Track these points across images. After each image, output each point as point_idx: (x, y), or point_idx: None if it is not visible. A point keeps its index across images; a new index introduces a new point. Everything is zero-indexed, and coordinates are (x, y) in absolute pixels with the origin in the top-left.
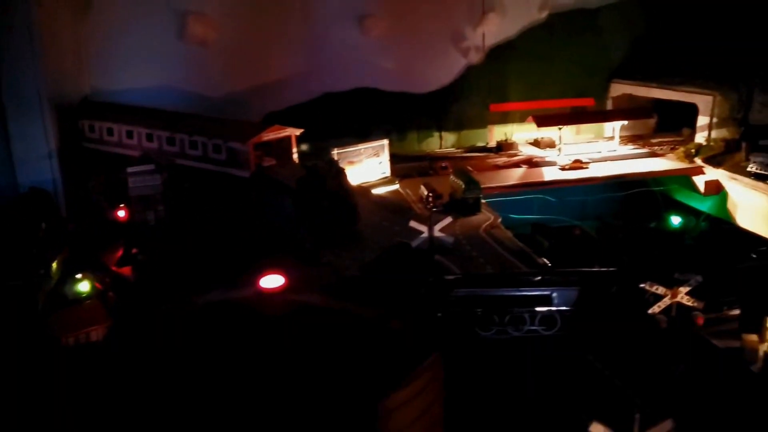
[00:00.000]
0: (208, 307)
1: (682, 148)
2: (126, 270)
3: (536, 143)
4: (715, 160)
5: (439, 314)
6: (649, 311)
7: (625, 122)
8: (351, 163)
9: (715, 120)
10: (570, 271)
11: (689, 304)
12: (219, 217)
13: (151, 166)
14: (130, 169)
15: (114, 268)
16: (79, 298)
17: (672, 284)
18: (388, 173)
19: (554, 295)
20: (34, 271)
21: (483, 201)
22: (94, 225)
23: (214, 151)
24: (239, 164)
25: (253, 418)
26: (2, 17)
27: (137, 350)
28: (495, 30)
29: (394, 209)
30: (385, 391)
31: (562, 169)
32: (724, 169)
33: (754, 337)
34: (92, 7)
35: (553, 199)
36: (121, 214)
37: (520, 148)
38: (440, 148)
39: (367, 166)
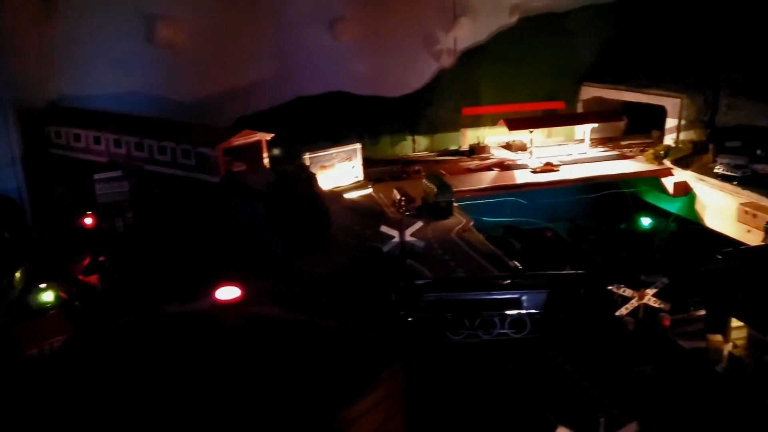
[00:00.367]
0: (166, 319)
1: (651, 150)
2: (93, 279)
3: (508, 146)
4: (683, 162)
5: (410, 319)
6: (617, 313)
7: (596, 125)
8: (323, 167)
9: (683, 122)
10: (539, 274)
11: (656, 305)
12: (189, 223)
13: (118, 173)
14: (97, 176)
15: (81, 277)
16: (43, 309)
17: (639, 286)
18: (360, 177)
19: (524, 298)
20: None
21: (455, 204)
22: (61, 233)
23: (183, 156)
24: (209, 169)
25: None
26: None
27: (98, 361)
28: (466, 34)
29: (367, 213)
30: (344, 402)
31: (534, 172)
32: (692, 170)
33: (719, 338)
34: (58, 10)
35: (525, 202)
36: (89, 221)
37: (493, 151)
38: (413, 151)
39: (340, 171)
